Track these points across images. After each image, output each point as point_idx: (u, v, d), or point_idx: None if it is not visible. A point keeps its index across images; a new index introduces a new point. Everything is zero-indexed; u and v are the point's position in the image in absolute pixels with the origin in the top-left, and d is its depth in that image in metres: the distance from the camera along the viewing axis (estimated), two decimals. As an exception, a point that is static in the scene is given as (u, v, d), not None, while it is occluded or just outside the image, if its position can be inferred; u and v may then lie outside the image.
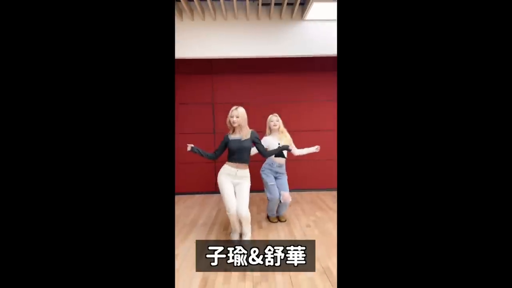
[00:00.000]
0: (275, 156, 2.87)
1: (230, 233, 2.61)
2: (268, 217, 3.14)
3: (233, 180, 2.42)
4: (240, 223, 2.43)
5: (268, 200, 2.95)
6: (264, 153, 2.53)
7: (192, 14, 3.56)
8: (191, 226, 2.97)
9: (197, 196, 4.27)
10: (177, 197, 4.16)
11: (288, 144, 2.76)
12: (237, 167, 2.41)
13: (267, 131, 2.99)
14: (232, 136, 2.44)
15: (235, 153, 2.39)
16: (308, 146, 3.07)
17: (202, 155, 2.42)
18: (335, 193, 4.24)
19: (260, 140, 2.48)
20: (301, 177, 4.35)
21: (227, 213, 2.38)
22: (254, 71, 4.27)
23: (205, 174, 4.30)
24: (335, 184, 4.30)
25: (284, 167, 3.00)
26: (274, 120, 2.92)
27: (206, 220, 3.18)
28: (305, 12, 3.47)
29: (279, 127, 2.89)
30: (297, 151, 2.95)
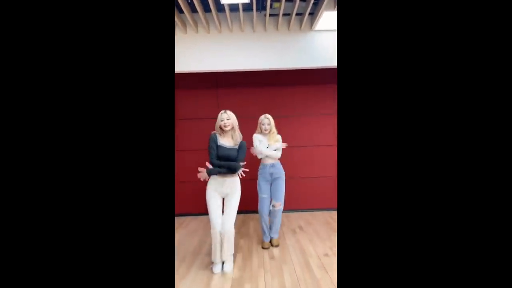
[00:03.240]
0: (266, 156, 2.75)
1: (211, 264, 2.34)
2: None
3: (222, 191, 2.28)
4: (221, 242, 2.24)
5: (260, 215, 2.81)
6: (235, 160, 2.31)
7: (197, 27, 3.42)
8: (193, 256, 2.68)
9: (200, 217, 3.99)
10: (178, 220, 3.88)
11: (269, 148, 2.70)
12: (224, 177, 2.27)
13: (258, 130, 2.83)
14: (222, 141, 2.29)
15: (223, 160, 2.26)
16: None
17: (219, 170, 2.26)
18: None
19: (244, 148, 2.33)
20: (312, 196, 4.06)
21: (211, 230, 2.25)
22: (261, 84, 4.07)
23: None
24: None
25: (278, 167, 2.79)
26: (266, 123, 2.75)
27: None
28: (315, 22, 3.30)
29: (270, 132, 2.74)
30: (268, 152, 2.76)
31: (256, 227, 3.40)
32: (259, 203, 2.81)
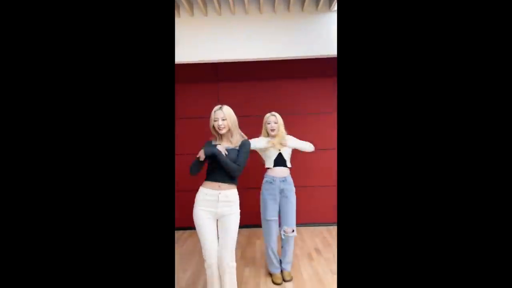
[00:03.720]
0: (274, 166, 2.20)
1: None
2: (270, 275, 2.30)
3: (215, 211, 1.71)
4: (220, 279, 1.73)
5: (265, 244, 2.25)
6: (234, 163, 1.74)
7: (192, 9, 2.85)
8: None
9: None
10: (176, 234, 3.36)
11: (279, 143, 2.19)
12: (219, 188, 1.70)
13: (263, 132, 2.29)
14: (218, 145, 1.77)
15: (216, 167, 1.70)
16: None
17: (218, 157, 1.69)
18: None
19: (248, 148, 1.77)
20: (327, 207, 3.50)
21: (205, 264, 1.72)
22: (270, 77, 3.50)
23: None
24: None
25: (289, 181, 2.23)
26: (272, 121, 2.21)
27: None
28: (334, 2, 2.71)
29: (277, 131, 2.20)
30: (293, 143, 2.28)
31: (260, 243, 2.87)
32: (263, 228, 2.23)
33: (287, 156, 2.24)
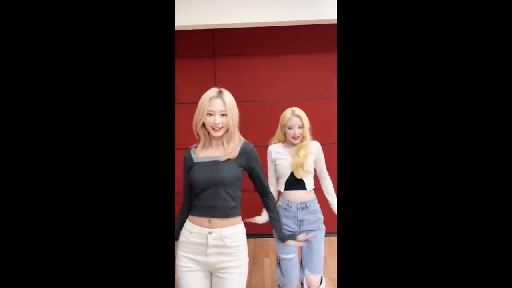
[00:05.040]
0: (286, 189, 1.51)
1: None
2: None
3: (205, 260, 1.08)
4: None
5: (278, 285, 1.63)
6: (264, 196, 1.24)
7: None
8: None
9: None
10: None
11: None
12: (209, 226, 1.08)
13: (279, 135, 1.58)
14: (202, 155, 1.15)
15: (203, 191, 1.09)
16: None
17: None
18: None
19: (257, 155, 1.17)
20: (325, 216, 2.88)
21: None
22: (282, 50, 2.77)
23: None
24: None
25: (315, 208, 1.53)
26: (295, 125, 1.48)
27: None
28: None
29: (302, 140, 1.50)
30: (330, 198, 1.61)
31: (273, 264, 2.24)
32: (278, 270, 1.59)
33: (307, 175, 1.51)
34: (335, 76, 2.67)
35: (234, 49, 2.78)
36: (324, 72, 2.77)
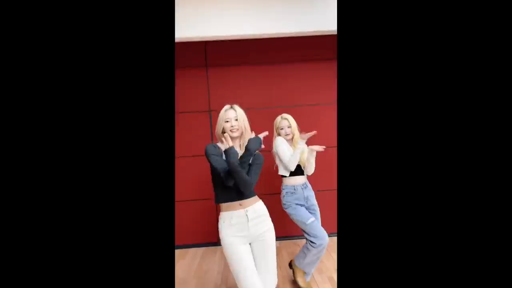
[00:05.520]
0: (290, 175, 1.99)
1: None
2: (296, 281, 1.97)
3: (248, 233, 1.43)
4: None
5: (309, 249, 1.88)
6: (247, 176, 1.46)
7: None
8: None
9: (192, 250, 2.89)
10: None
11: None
12: (243, 206, 1.43)
13: (275, 136, 2.08)
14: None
15: (224, 186, 1.42)
16: None
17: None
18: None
19: (261, 163, 1.48)
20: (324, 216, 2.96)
21: None
22: (276, 59, 2.91)
23: (205, 217, 2.91)
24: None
25: (311, 188, 2.05)
26: (285, 126, 1.99)
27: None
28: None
29: (293, 137, 2.00)
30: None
31: (280, 265, 2.28)
32: (312, 234, 1.90)
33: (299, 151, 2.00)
34: (335, 81, 2.83)
35: (226, 59, 2.91)
36: (323, 80, 2.91)
